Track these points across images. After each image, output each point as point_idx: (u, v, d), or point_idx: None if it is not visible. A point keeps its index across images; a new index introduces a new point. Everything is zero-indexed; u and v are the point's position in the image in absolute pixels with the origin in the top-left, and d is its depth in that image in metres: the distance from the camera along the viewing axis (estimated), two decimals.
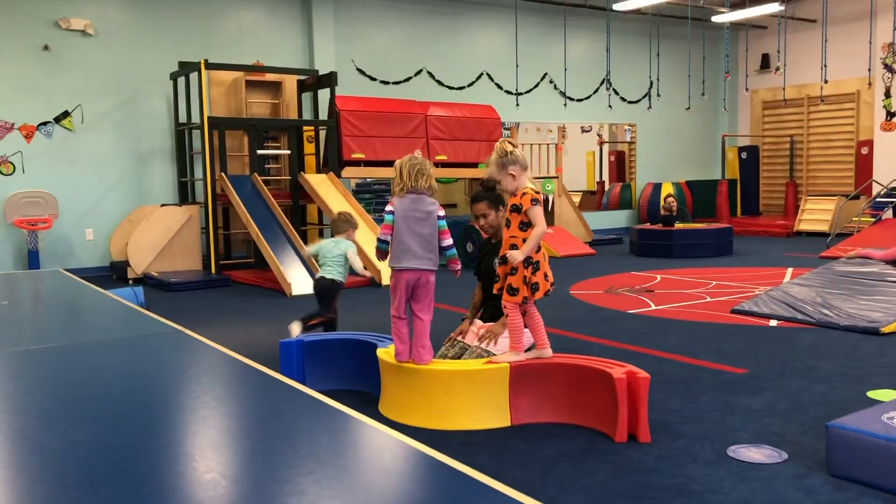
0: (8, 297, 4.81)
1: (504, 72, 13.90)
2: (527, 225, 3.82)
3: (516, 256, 3.76)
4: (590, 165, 18.62)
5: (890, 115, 14.29)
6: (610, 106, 13.88)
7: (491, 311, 4.76)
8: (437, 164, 11.45)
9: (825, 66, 12.95)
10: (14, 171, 10.14)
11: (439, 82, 13.38)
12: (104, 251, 10.66)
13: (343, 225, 5.84)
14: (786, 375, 4.73)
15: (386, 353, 4.18)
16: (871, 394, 4.30)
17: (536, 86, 14.49)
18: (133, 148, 10.91)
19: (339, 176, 10.68)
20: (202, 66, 9.82)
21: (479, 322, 4.84)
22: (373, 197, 13.04)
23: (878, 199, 12.86)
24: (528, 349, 4.72)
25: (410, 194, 3.88)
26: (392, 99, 12.02)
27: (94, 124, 10.61)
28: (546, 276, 3.90)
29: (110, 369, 2.83)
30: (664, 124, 16.31)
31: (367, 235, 9.25)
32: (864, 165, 14.88)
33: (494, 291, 4.00)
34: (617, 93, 15.23)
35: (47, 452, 1.88)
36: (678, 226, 11.61)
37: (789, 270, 9.39)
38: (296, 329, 5.38)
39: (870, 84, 13.30)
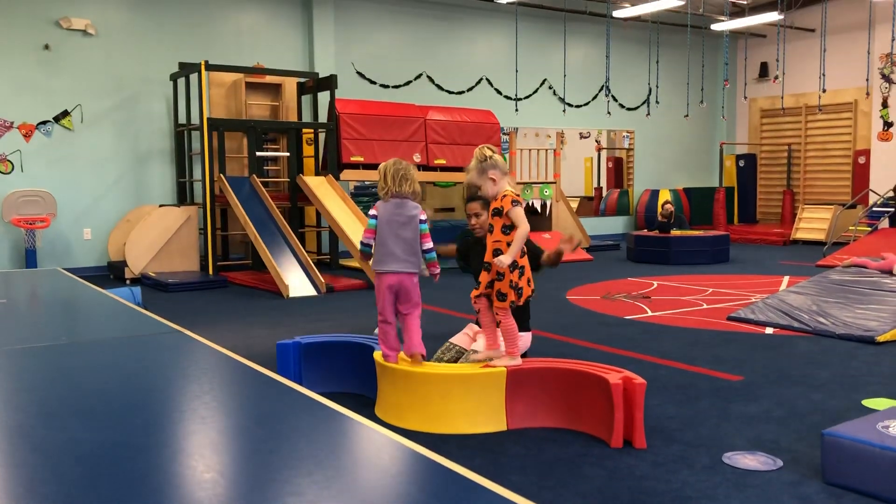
0: (6, 295, 4.81)
1: (503, 77, 13.92)
2: (510, 228, 3.84)
3: (503, 261, 3.76)
4: (588, 171, 18.61)
5: (887, 124, 14.34)
6: (609, 112, 13.91)
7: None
8: (435, 169, 11.47)
9: (823, 75, 12.99)
10: (12, 169, 10.14)
11: (439, 86, 13.41)
12: (102, 251, 10.66)
13: None
14: (781, 383, 4.74)
15: (382, 356, 4.19)
16: (867, 402, 4.31)
17: (536, 91, 14.52)
18: (132, 148, 10.92)
19: (337, 178, 10.69)
20: (202, 67, 9.83)
21: (475, 327, 4.85)
22: (371, 200, 13.05)
23: (874, 209, 12.90)
24: (524, 354, 4.74)
25: (394, 199, 3.95)
26: (391, 102, 12.03)
27: (93, 124, 10.61)
28: (529, 281, 3.93)
29: (109, 368, 2.83)
30: (662, 131, 16.35)
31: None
32: (861, 175, 14.92)
33: (472, 295, 4.00)
34: (616, 99, 15.26)
35: (46, 450, 1.88)
36: (675, 232, 11.63)
37: (786, 278, 9.41)
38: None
39: (867, 94, 13.35)
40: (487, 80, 13.95)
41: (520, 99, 13.86)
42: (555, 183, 12.92)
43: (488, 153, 3.88)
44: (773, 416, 4.10)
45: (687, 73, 14.91)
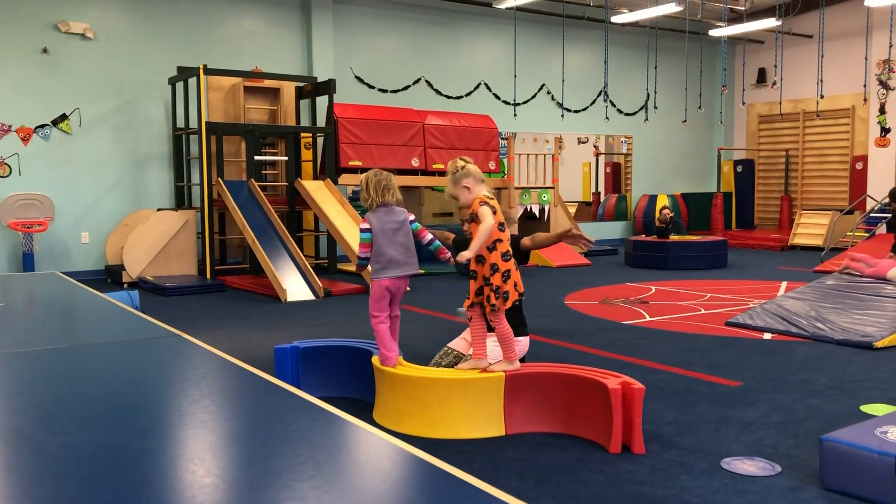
0: (4, 299, 4.81)
1: (502, 82, 13.94)
2: (499, 226, 3.85)
3: (465, 255, 3.80)
4: (586, 176, 18.67)
5: (884, 130, 14.37)
6: (607, 117, 13.94)
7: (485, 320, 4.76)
8: (434, 173, 11.48)
9: (821, 81, 13.02)
10: (10, 173, 10.13)
11: (437, 91, 13.42)
12: (99, 255, 10.65)
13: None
14: (780, 388, 4.74)
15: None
16: (865, 408, 4.32)
17: (534, 96, 14.54)
18: (130, 152, 10.91)
19: (335, 183, 10.69)
20: (201, 71, 9.83)
21: None
22: None
23: (871, 215, 12.92)
24: (522, 359, 4.74)
25: (381, 208, 4.04)
26: (390, 107, 12.04)
27: (91, 128, 10.61)
28: (516, 284, 3.92)
29: (108, 372, 2.83)
30: (660, 137, 16.38)
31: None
32: (858, 181, 14.95)
33: (465, 306, 4.00)
34: (614, 104, 15.29)
35: (46, 454, 1.88)
36: (673, 238, 11.64)
37: (783, 284, 9.42)
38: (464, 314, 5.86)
39: (865, 100, 13.38)
40: (486, 84, 13.97)
41: (518, 104, 13.88)
42: (553, 188, 12.93)
43: (461, 164, 3.95)
44: (771, 421, 4.10)
45: (685, 78, 14.94)
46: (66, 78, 10.41)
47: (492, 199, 3.93)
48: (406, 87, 13.10)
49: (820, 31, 12.84)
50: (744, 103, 14.99)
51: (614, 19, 13.35)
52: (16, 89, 10.12)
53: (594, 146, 17.92)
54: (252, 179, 10.23)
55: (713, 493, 3.16)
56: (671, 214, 12.06)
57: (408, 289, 4.25)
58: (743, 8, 14.11)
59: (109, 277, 10.19)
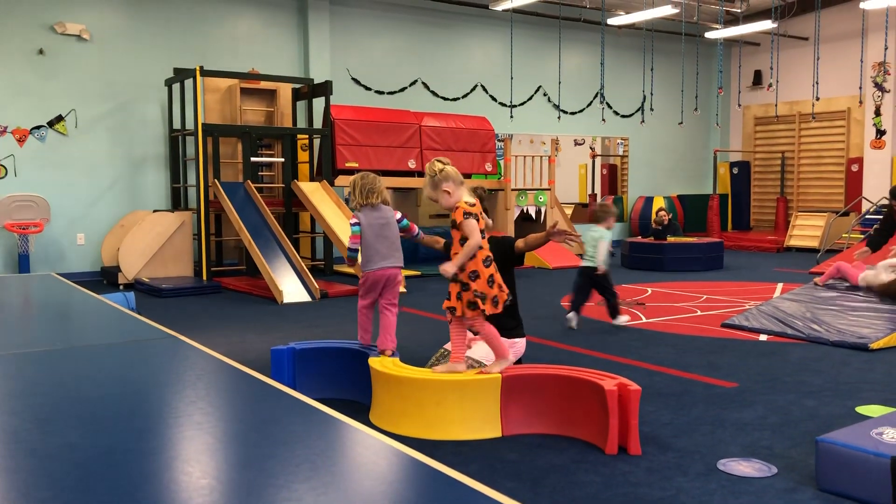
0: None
1: (498, 84, 13.96)
2: (466, 240, 3.85)
3: (447, 270, 3.82)
4: (582, 178, 18.66)
5: (880, 132, 14.41)
6: (603, 119, 13.95)
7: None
8: None
9: (817, 83, 13.05)
10: (6, 174, 10.11)
11: (434, 93, 13.43)
12: (95, 256, 10.63)
13: (603, 214, 6.68)
14: (776, 390, 4.75)
15: (378, 362, 4.19)
16: (860, 409, 4.32)
17: (530, 98, 14.56)
18: (126, 153, 10.90)
19: (332, 184, 10.68)
20: (197, 72, 9.82)
21: (470, 334, 4.85)
22: None
23: (867, 216, 12.94)
24: (519, 360, 4.74)
25: (365, 208, 4.32)
26: (386, 109, 12.05)
27: (87, 129, 10.60)
28: (501, 286, 3.92)
29: (104, 374, 2.82)
30: (657, 138, 16.40)
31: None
32: (854, 182, 14.98)
33: (444, 307, 4.00)
34: (610, 106, 15.31)
35: (42, 455, 1.88)
36: (669, 239, 11.65)
37: (779, 285, 9.43)
38: (623, 320, 6.77)
39: (860, 102, 13.41)
40: (482, 86, 13.98)
41: (514, 106, 13.89)
42: (549, 190, 12.94)
43: (439, 166, 3.91)
44: (767, 422, 4.11)
45: (681, 80, 14.96)
46: (63, 79, 10.40)
47: (473, 205, 3.91)
48: (402, 89, 13.11)
49: (816, 33, 12.86)
50: (740, 105, 15.01)
51: (610, 21, 13.38)
52: (12, 90, 10.11)
53: (590, 148, 17.92)
54: (248, 181, 10.22)
55: (709, 494, 3.17)
56: (668, 216, 12.07)
57: (402, 288, 4.37)
58: (739, 10, 14.14)
59: (105, 279, 10.18)
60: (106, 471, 1.77)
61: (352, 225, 4.33)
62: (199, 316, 7.76)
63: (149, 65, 10.90)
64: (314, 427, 2.12)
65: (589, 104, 15.25)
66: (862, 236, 12.42)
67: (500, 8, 12.74)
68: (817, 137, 16.03)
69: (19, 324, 4.16)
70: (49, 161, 10.36)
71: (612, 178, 17.72)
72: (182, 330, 3.66)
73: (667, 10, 12.67)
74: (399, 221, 4.39)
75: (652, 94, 14.11)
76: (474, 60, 13.93)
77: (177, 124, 10.85)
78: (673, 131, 16.30)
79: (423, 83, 13.34)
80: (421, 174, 11.38)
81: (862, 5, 12.38)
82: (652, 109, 14.29)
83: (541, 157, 13.40)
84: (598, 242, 6.53)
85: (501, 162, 12.67)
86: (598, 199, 12.33)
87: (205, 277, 9.78)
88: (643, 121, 14.53)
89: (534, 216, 12.69)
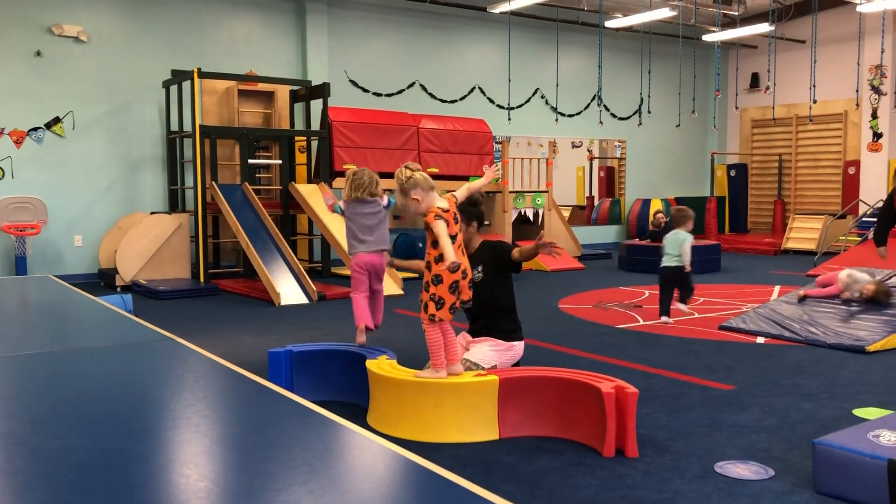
0: None
1: (496, 86, 13.97)
2: (437, 243, 3.84)
3: (447, 262, 3.74)
4: (580, 180, 18.68)
5: (877, 135, 14.43)
6: (601, 122, 13.96)
7: (481, 322, 4.78)
8: None
9: (814, 86, 13.07)
10: (3, 176, 10.10)
11: (432, 95, 13.43)
12: (92, 258, 10.62)
13: (682, 218, 7.25)
14: (773, 392, 4.76)
15: (376, 364, 4.19)
16: (857, 412, 4.33)
17: (528, 100, 14.57)
18: (124, 155, 10.89)
19: (330, 186, 10.68)
20: (195, 74, 9.82)
21: (467, 336, 4.86)
22: None
23: (864, 219, 12.97)
24: (517, 363, 4.75)
25: (353, 201, 4.72)
26: (384, 111, 12.05)
27: (85, 131, 10.59)
28: (460, 294, 3.89)
29: (101, 376, 2.82)
30: (654, 141, 16.42)
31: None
32: (851, 185, 15.01)
33: (431, 315, 3.98)
34: (608, 109, 15.32)
35: (40, 458, 1.88)
36: None
37: (776, 288, 9.45)
38: (683, 308, 7.23)
39: (857, 105, 13.43)
40: (480, 89, 13.99)
41: (512, 108, 13.90)
42: (547, 192, 12.95)
43: (408, 173, 3.89)
44: (764, 425, 4.11)
45: (678, 83, 14.99)
46: (60, 81, 10.39)
47: (446, 210, 3.87)
48: (400, 91, 13.12)
49: (812, 36, 12.89)
50: (737, 108, 15.02)
51: (608, 24, 13.39)
52: (9, 92, 10.10)
53: (588, 150, 17.94)
54: (246, 183, 10.22)
55: (706, 496, 3.17)
56: (665, 219, 12.08)
57: (399, 290, 4.85)
58: (736, 13, 14.16)
59: (103, 281, 10.17)
60: (104, 473, 1.77)
61: (339, 202, 4.93)
62: (197, 318, 7.75)
63: (146, 66, 10.90)
64: (312, 429, 2.12)
65: (587, 107, 15.26)
66: (859, 239, 12.44)
67: (497, 10, 12.76)
68: (814, 140, 16.06)
69: (16, 326, 4.15)
70: (46, 163, 10.35)
71: (610, 181, 17.75)
72: (179, 332, 3.65)
73: (664, 13, 12.69)
74: (386, 207, 4.80)
75: (649, 96, 14.13)
76: (472, 63, 13.95)
77: (174, 126, 10.85)
78: (670, 134, 16.32)
79: (421, 85, 13.35)
80: None
81: (859, 8, 12.41)
82: (649, 112, 14.30)
83: (538, 159, 13.41)
84: (683, 244, 7.08)
85: (499, 164, 12.66)
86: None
87: (202, 279, 9.77)
88: (640, 123, 14.54)
89: (531, 218, 12.70)
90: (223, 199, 9.72)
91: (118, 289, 9.52)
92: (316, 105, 11.48)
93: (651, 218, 12.80)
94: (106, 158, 10.76)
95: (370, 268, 4.73)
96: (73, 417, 2.25)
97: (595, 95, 14.36)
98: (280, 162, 10.96)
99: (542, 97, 14.72)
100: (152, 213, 10.64)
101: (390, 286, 8.74)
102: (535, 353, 5.69)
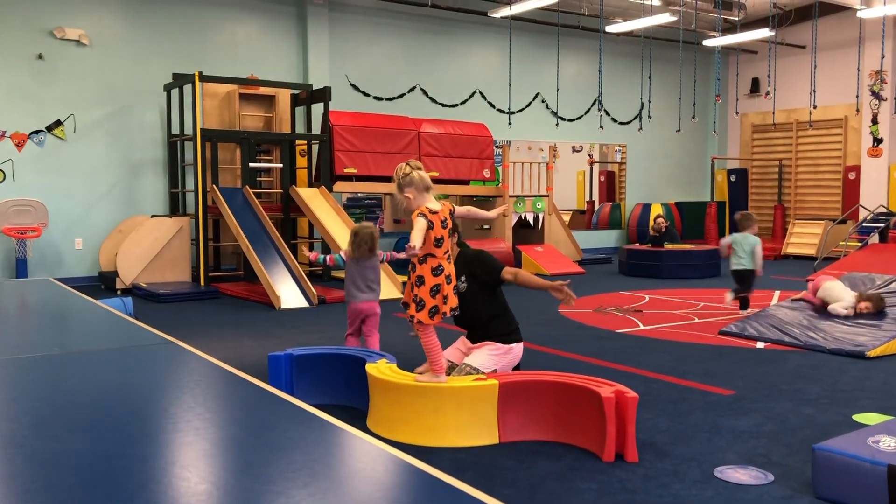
0: None
1: (497, 90, 13.98)
2: (433, 242, 3.83)
3: (411, 245, 3.69)
4: (580, 185, 18.70)
5: (877, 141, 14.44)
6: (601, 126, 13.97)
7: (476, 332, 4.78)
8: None
9: (814, 91, 13.09)
10: (4, 178, 10.11)
11: (432, 99, 13.45)
12: (93, 261, 10.62)
13: (748, 222, 7.76)
14: (773, 397, 4.76)
15: (375, 368, 4.19)
16: (857, 417, 4.33)
17: (529, 105, 14.58)
18: (125, 158, 10.90)
19: (330, 190, 10.70)
20: (196, 78, 9.84)
21: (466, 341, 4.86)
22: (363, 212, 13.07)
23: (864, 224, 12.96)
24: (517, 367, 4.75)
25: (353, 259, 5.34)
26: (385, 115, 12.06)
27: (86, 134, 10.60)
28: (446, 299, 3.87)
29: (102, 379, 2.83)
30: (654, 146, 16.43)
31: None
32: (851, 190, 15.02)
33: (411, 316, 3.98)
34: (608, 114, 15.33)
35: (40, 461, 1.88)
36: (667, 246, 11.66)
37: (776, 293, 9.44)
38: (729, 298, 7.81)
39: (858, 110, 13.44)
40: (481, 93, 14.00)
41: (513, 112, 13.90)
42: (547, 196, 12.96)
43: (406, 170, 3.90)
44: (764, 430, 4.11)
45: (679, 88, 15.00)
46: (61, 84, 10.41)
47: (435, 212, 3.86)
48: (401, 95, 13.13)
49: (813, 41, 12.90)
50: (737, 113, 15.04)
51: (609, 29, 13.41)
52: (10, 95, 10.11)
53: (588, 155, 17.96)
54: (247, 186, 10.23)
55: (706, 501, 3.17)
56: (666, 224, 12.09)
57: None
58: (737, 18, 14.18)
59: (103, 284, 10.17)
60: (104, 476, 1.77)
61: (341, 253, 5.53)
62: (197, 321, 7.75)
63: (148, 70, 10.91)
64: (312, 433, 2.12)
65: (587, 111, 15.28)
66: (859, 244, 12.44)
67: (498, 15, 12.78)
68: (814, 145, 16.07)
69: (17, 329, 4.16)
70: (47, 166, 10.36)
71: (610, 185, 17.77)
72: (180, 335, 3.66)
73: (665, 18, 12.71)
74: (381, 262, 5.54)
75: (650, 101, 14.14)
76: (473, 67, 13.96)
77: (175, 129, 10.86)
78: (671, 138, 16.33)
79: (422, 89, 13.36)
80: None
81: (859, 14, 12.43)
82: (650, 117, 14.32)
83: (539, 163, 13.43)
84: (754, 247, 7.64)
85: (499, 168, 12.69)
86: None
87: (202, 283, 9.78)
88: (641, 128, 14.55)
89: (532, 223, 12.70)
90: (224, 202, 9.73)
91: (118, 292, 9.52)
92: (317, 109, 11.50)
93: (651, 223, 12.80)
94: (107, 161, 10.77)
95: (364, 314, 5.37)
96: (74, 420, 2.25)
97: (595, 100, 14.37)
98: (281, 165, 10.97)
99: (543, 101, 14.74)
100: (153, 216, 10.64)
101: (389, 289, 8.74)
102: (534, 357, 5.69)
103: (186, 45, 11.22)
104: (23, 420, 2.26)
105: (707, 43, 14.28)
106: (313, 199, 10.32)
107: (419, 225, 3.76)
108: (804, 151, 16.27)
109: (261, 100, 11.44)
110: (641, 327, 7.27)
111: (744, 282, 7.78)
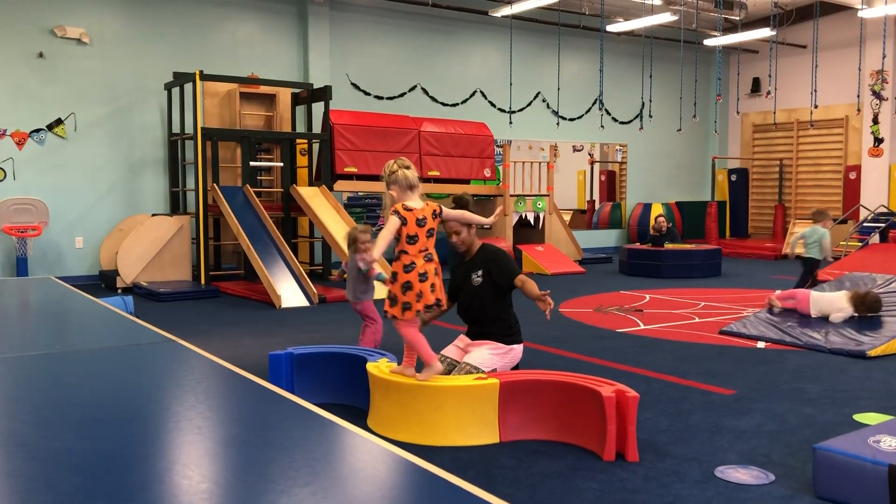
0: None
1: (498, 90, 13.98)
2: (406, 239, 3.86)
3: (372, 255, 3.98)
4: (581, 184, 18.71)
5: (878, 141, 14.44)
6: (602, 126, 13.98)
7: (476, 329, 4.78)
8: (429, 180, 11.50)
9: (815, 91, 13.09)
10: (5, 177, 10.11)
11: (433, 98, 13.45)
12: (93, 260, 10.63)
13: (820, 217, 8.69)
14: (773, 397, 4.76)
15: (376, 367, 4.19)
16: (858, 417, 4.33)
17: (529, 104, 14.58)
18: (125, 157, 10.90)
19: (331, 189, 10.69)
20: (197, 76, 9.84)
21: (466, 339, 4.86)
22: (363, 210, 13.06)
23: (865, 224, 12.97)
24: (516, 366, 4.74)
25: (351, 252, 5.54)
26: (386, 114, 12.06)
27: (87, 132, 10.60)
28: (420, 295, 3.88)
29: (103, 377, 2.83)
30: (655, 145, 16.43)
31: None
32: (851, 190, 15.01)
33: (387, 312, 4.01)
34: (609, 113, 15.33)
35: (41, 459, 1.88)
36: (668, 246, 11.66)
37: (777, 293, 9.42)
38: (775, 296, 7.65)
39: (858, 110, 13.44)
40: (481, 92, 14.00)
41: (513, 111, 13.91)
42: (548, 196, 12.96)
43: (393, 168, 3.94)
44: (764, 430, 4.11)
45: (680, 87, 15.00)
46: (62, 83, 10.40)
47: (411, 209, 3.88)
48: (402, 95, 13.13)
49: (814, 41, 12.90)
50: (738, 112, 15.05)
51: (610, 28, 13.40)
52: (11, 94, 10.11)
53: (589, 154, 17.96)
54: (247, 185, 10.23)
55: (707, 501, 3.17)
56: (668, 224, 12.09)
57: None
58: (738, 18, 14.18)
59: (104, 282, 10.17)
60: (106, 475, 1.77)
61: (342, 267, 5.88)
62: (198, 320, 7.75)
63: (148, 69, 10.91)
64: (313, 432, 2.12)
65: (588, 111, 15.28)
66: (860, 244, 12.44)
67: (499, 14, 12.78)
68: (815, 145, 16.07)
69: (17, 327, 4.16)
70: (48, 164, 10.36)
71: (611, 185, 17.77)
72: (180, 334, 3.66)
73: (666, 18, 12.70)
74: (377, 277, 5.64)
75: (651, 100, 14.14)
76: (474, 66, 13.96)
77: (176, 128, 10.86)
78: (671, 138, 16.33)
79: (423, 88, 13.36)
80: (420, 179, 11.35)
81: (860, 14, 12.42)
82: (651, 116, 14.32)
83: (539, 162, 13.42)
84: (821, 239, 8.49)
85: (500, 168, 12.69)
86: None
87: (203, 282, 9.78)
88: (642, 127, 14.55)
89: (532, 222, 12.70)
90: (224, 201, 9.73)
91: (119, 290, 9.52)
92: (317, 108, 11.49)
93: (652, 222, 12.79)
94: (107, 160, 10.77)
95: (355, 311, 5.69)
96: (75, 419, 2.25)
97: (596, 99, 14.37)
98: (281, 164, 10.97)
99: (544, 101, 14.73)
100: (153, 214, 10.64)
101: (384, 289, 8.72)
102: (535, 356, 5.69)
103: (187, 44, 11.22)
104: (24, 418, 2.26)
105: (708, 42, 14.28)
106: (314, 199, 10.32)
107: (388, 225, 3.84)
108: (805, 151, 16.27)
109: (261, 99, 11.44)
110: (642, 327, 7.27)
111: (808, 267, 8.68)
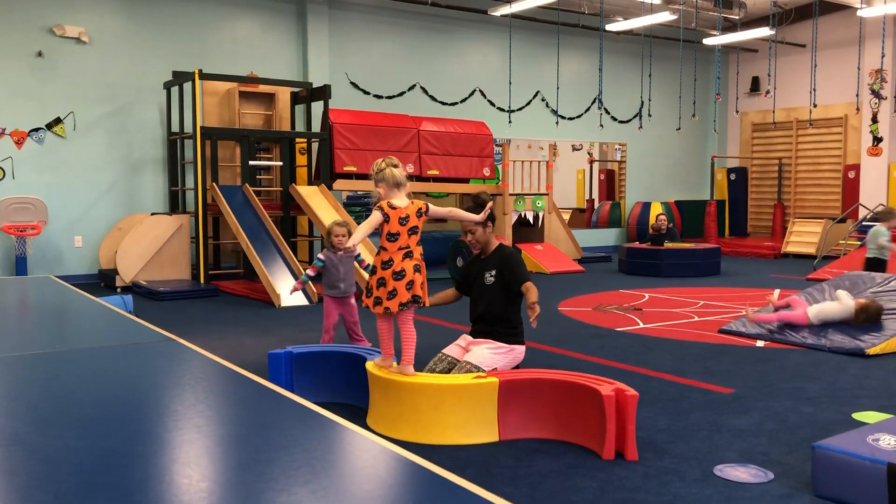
0: None
1: (497, 89, 13.98)
2: (386, 236, 3.93)
3: (351, 242, 4.01)
4: (580, 183, 18.71)
5: (877, 140, 14.44)
6: (601, 125, 13.98)
7: (479, 327, 4.79)
8: (428, 179, 11.49)
9: (814, 90, 13.09)
10: (4, 176, 10.11)
11: (432, 98, 13.44)
12: (93, 259, 10.62)
13: (886, 216, 8.55)
14: (772, 396, 4.76)
15: (375, 366, 4.19)
16: (857, 415, 4.33)
17: (529, 103, 14.58)
18: (125, 156, 10.90)
19: (330, 188, 10.69)
20: (196, 75, 9.83)
21: (467, 337, 4.86)
22: (363, 209, 13.06)
23: (864, 223, 12.96)
24: (518, 366, 4.75)
25: (330, 249, 5.57)
26: (385, 113, 12.06)
27: (86, 132, 10.59)
28: (393, 292, 3.92)
29: (103, 376, 2.83)
30: (654, 144, 16.43)
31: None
32: (850, 189, 15.02)
33: (372, 307, 4.04)
34: (608, 112, 15.33)
35: (41, 458, 1.88)
36: (667, 245, 11.66)
37: (776, 292, 9.44)
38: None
39: (858, 109, 13.44)
40: (481, 91, 14.00)
41: (513, 111, 13.91)
42: (547, 195, 12.96)
43: (381, 166, 4.02)
44: (764, 428, 4.12)
45: (679, 86, 15.01)
46: (61, 82, 10.40)
47: (395, 207, 3.93)
48: (401, 94, 13.13)
49: (813, 40, 12.90)
50: (737, 112, 15.05)
51: (609, 27, 13.40)
52: (10, 93, 10.11)
53: (588, 153, 17.97)
54: (247, 184, 10.22)
55: (706, 500, 3.17)
56: (668, 224, 12.09)
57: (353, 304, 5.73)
58: (737, 17, 14.18)
59: (103, 282, 10.17)
60: (105, 473, 1.77)
61: (316, 258, 5.69)
62: (197, 319, 7.75)
63: (148, 68, 10.91)
64: (313, 431, 2.12)
65: (587, 110, 15.28)
66: (858, 243, 12.45)
67: (498, 13, 12.78)
68: (814, 144, 16.07)
69: (17, 326, 4.16)
70: (47, 163, 10.36)
71: (610, 184, 17.78)
72: (180, 333, 3.66)
73: (665, 17, 12.71)
74: (356, 257, 5.71)
75: (650, 99, 14.14)
76: (473, 65, 13.96)
77: (175, 127, 10.85)
78: (671, 137, 16.33)
79: (422, 87, 13.36)
80: (419, 178, 11.40)
81: (859, 13, 12.43)
82: (650, 115, 14.32)
83: (539, 161, 13.43)
84: (878, 238, 8.35)
85: (499, 167, 12.69)
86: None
87: (202, 281, 9.78)
88: (641, 126, 14.56)
89: (531, 221, 12.70)
90: (224, 200, 9.73)
91: (118, 289, 9.52)
92: (317, 107, 11.49)
93: (652, 221, 12.79)
94: (106, 159, 10.77)
95: (338, 306, 5.71)
96: (74, 418, 2.26)
97: (595, 98, 14.37)
98: (281, 163, 10.96)
99: (543, 100, 14.74)
100: (153, 213, 10.64)
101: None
102: (534, 355, 5.69)
103: (186, 43, 11.22)
104: (23, 417, 2.26)
105: (707, 41, 14.29)
106: (313, 197, 10.32)
107: (370, 219, 3.91)
108: (804, 150, 16.28)
109: (261, 98, 11.44)
110: (641, 325, 7.28)
111: (872, 269, 8.25)
